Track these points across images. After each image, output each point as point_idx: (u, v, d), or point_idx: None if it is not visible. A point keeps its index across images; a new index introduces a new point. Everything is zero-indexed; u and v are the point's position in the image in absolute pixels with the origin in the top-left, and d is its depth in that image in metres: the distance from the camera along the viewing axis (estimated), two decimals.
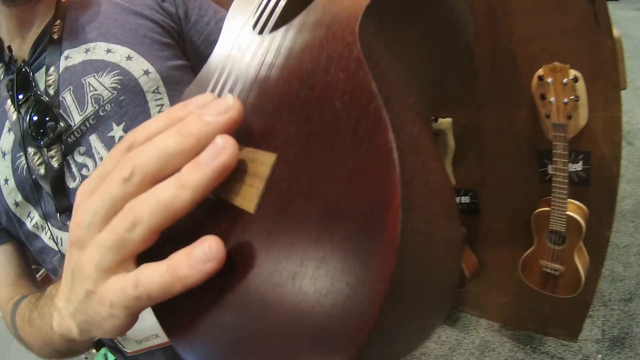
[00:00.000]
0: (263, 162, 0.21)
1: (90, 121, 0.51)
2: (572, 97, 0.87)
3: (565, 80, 0.86)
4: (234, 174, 0.21)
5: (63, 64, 0.53)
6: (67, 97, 0.52)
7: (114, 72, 0.52)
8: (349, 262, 0.16)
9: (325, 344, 0.16)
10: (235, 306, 0.20)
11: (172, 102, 0.55)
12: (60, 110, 0.51)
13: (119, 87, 0.52)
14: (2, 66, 0.55)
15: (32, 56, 0.55)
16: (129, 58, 0.53)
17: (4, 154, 0.53)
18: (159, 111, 0.54)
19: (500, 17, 0.97)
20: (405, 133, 0.18)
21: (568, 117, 0.88)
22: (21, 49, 0.56)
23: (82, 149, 0.51)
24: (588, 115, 0.92)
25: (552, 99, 0.88)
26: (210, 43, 0.62)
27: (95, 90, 0.51)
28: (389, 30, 0.24)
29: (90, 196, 0.22)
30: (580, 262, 1.02)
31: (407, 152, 0.17)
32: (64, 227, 0.52)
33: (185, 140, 0.20)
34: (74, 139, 0.51)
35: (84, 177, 0.51)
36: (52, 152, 0.50)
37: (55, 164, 0.50)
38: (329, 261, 0.17)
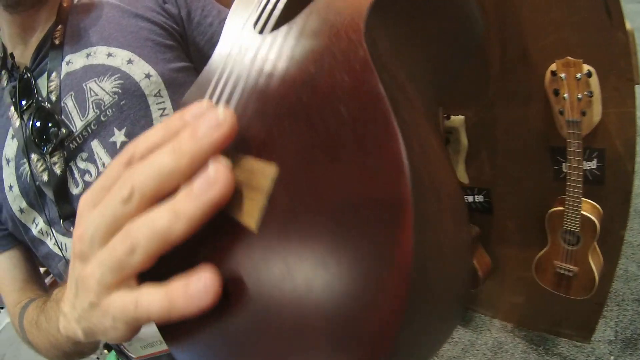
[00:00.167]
0: (264, 174, 0.20)
1: (92, 127, 0.51)
2: (586, 92, 0.84)
3: (578, 75, 0.84)
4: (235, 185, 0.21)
5: (64, 69, 0.53)
6: (69, 103, 0.51)
7: (115, 76, 0.52)
8: (357, 287, 0.15)
9: None
10: (237, 321, 0.20)
11: (175, 105, 0.54)
12: (62, 117, 0.51)
13: (120, 91, 0.51)
14: (5, 73, 0.55)
15: (34, 62, 0.54)
16: (130, 61, 0.53)
17: (8, 161, 0.53)
18: (161, 115, 0.53)
19: (509, 10, 0.95)
20: (415, 141, 0.17)
21: (582, 114, 0.85)
22: (23, 55, 0.56)
23: (84, 154, 0.51)
24: (602, 111, 0.90)
25: (565, 94, 0.86)
26: (214, 44, 0.60)
27: (96, 95, 0.51)
28: (395, 28, 0.22)
29: (92, 208, 0.23)
30: (594, 263, 1.00)
31: (418, 164, 0.16)
32: (68, 234, 0.52)
33: (180, 160, 0.20)
34: (76, 144, 0.51)
35: (86, 183, 0.51)
36: (54, 159, 0.50)
37: (58, 170, 0.50)
38: (336, 287, 0.16)
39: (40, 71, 0.54)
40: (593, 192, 0.98)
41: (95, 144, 0.51)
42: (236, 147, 0.22)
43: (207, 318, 0.20)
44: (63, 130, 0.49)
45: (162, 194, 0.21)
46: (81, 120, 0.51)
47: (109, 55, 0.53)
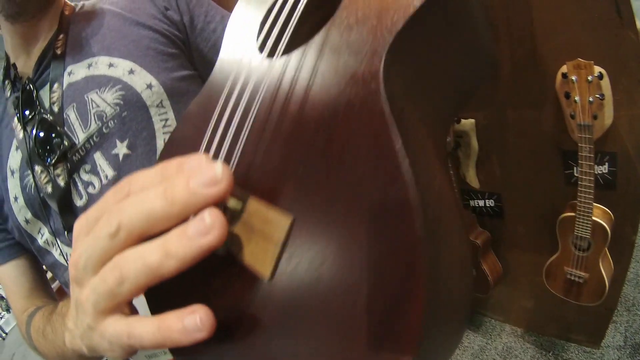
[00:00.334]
0: (278, 225, 0.20)
1: (94, 139, 0.50)
2: (597, 95, 0.83)
3: (590, 77, 0.82)
4: (247, 231, 0.21)
5: (66, 80, 0.52)
6: (71, 115, 0.51)
7: (117, 87, 0.51)
8: (371, 347, 0.16)
9: None
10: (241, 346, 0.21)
11: (177, 115, 0.53)
12: (65, 128, 0.50)
13: (121, 102, 0.51)
14: (8, 83, 0.55)
15: (36, 73, 0.54)
16: (131, 72, 0.52)
17: (12, 172, 0.53)
18: (164, 126, 0.53)
19: (518, 10, 0.93)
20: (431, 197, 0.17)
21: (594, 117, 0.84)
22: (26, 65, 0.55)
23: (87, 166, 0.51)
24: (613, 114, 0.88)
25: (576, 97, 0.84)
26: (218, 50, 0.60)
27: (98, 106, 0.50)
28: (412, 66, 0.23)
29: (85, 235, 0.23)
30: (605, 269, 0.98)
31: (433, 228, 0.16)
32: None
33: (170, 207, 0.20)
34: (79, 157, 0.50)
35: (90, 195, 0.51)
36: (58, 171, 0.50)
37: (61, 182, 0.50)
38: (351, 348, 0.17)
39: (42, 82, 0.53)
40: (604, 197, 0.96)
41: (97, 156, 0.50)
42: (249, 186, 0.22)
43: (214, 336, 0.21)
44: (65, 143, 0.49)
45: (150, 234, 0.21)
46: (83, 132, 0.50)
47: (110, 65, 0.53)
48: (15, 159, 0.53)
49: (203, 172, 0.20)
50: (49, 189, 0.50)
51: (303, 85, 0.23)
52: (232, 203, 0.23)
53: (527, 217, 1.18)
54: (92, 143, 0.50)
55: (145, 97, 0.52)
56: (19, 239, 0.57)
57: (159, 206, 0.20)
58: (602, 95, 0.82)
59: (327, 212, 0.19)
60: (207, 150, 0.26)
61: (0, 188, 0.54)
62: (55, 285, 0.76)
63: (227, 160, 0.25)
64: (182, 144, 0.32)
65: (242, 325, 0.21)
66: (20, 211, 0.53)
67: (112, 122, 0.50)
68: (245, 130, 0.24)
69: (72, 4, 0.60)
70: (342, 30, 0.23)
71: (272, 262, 0.20)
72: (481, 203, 1.23)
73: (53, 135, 0.50)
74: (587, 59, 0.81)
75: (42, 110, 0.51)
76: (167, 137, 0.52)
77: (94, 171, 0.50)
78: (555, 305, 1.20)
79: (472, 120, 1.10)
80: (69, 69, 0.53)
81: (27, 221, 0.53)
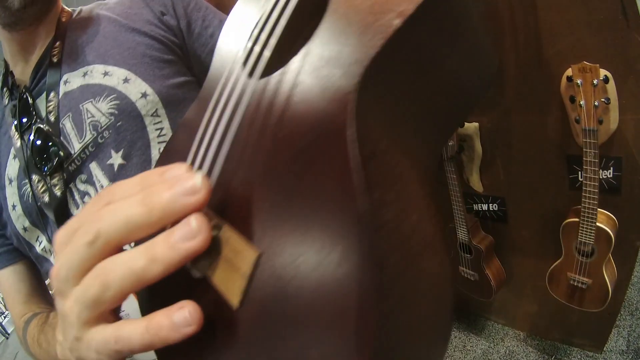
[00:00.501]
0: (245, 258, 0.20)
1: (90, 149, 0.50)
2: (602, 99, 0.81)
3: (595, 81, 0.81)
4: (219, 258, 0.21)
5: (62, 89, 0.52)
6: (67, 124, 0.51)
7: (111, 96, 0.51)
8: None
9: None
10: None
11: (172, 124, 0.53)
12: (61, 138, 0.50)
13: (116, 112, 0.51)
14: (6, 91, 0.55)
15: (32, 81, 0.54)
16: (126, 80, 0.52)
17: (10, 181, 0.53)
18: (159, 135, 0.52)
19: (524, 12, 0.92)
20: (399, 238, 0.18)
21: (599, 122, 0.82)
22: (24, 73, 0.55)
23: (83, 176, 0.50)
24: (619, 118, 0.87)
25: (581, 101, 0.83)
26: None
27: (93, 116, 0.50)
28: (392, 95, 0.22)
29: (65, 246, 0.23)
30: (608, 275, 0.97)
31: (394, 276, 0.17)
32: None
33: (149, 214, 0.20)
34: (75, 166, 0.50)
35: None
36: (54, 180, 0.49)
37: (58, 192, 0.49)
38: None
39: (39, 90, 0.53)
40: (609, 202, 0.95)
41: (93, 166, 0.50)
42: (221, 212, 0.23)
43: (200, 346, 0.22)
44: (61, 153, 0.49)
45: (128, 242, 0.21)
46: (79, 142, 0.50)
47: (105, 74, 0.52)
48: (13, 167, 0.53)
49: (183, 181, 0.21)
50: (46, 198, 0.49)
51: (278, 115, 0.22)
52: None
53: (531, 222, 1.17)
54: (88, 153, 0.50)
55: (139, 107, 0.51)
56: (17, 246, 0.57)
57: (138, 213, 0.21)
58: (608, 99, 0.81)
59: (294, 246, 0.19)
60: (193, 163, 0.26)
61: None
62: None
63: (208, 175, 0.25)
64: (175, 154, 0.32)
65: (222, 334, 0.22)
66: (18, 219, 0.53)
67: (107, 132, 0.50)
68: (225, 149, 0.24)
69: (70, 9, 0.60)
70: (316, 59, 0.22)
71: (239, 292, 0.20)
72: (485, 207, 1.22)
73: (50, 144, 0.50)
74: (593, 62, 0.80)
75: (38, 120, 0.51)
76: (161, 146, 0.52)
77: (90, 181, 0.50)
78: (558, 309, 1.19)
79: (476, 124, 1.09)
80: (65, 77, 0.53)
81: (25, 229, 0.53)
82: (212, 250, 0.22)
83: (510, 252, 1.26)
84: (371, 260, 0.16)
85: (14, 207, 0.53)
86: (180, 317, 0.20)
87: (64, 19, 0.56)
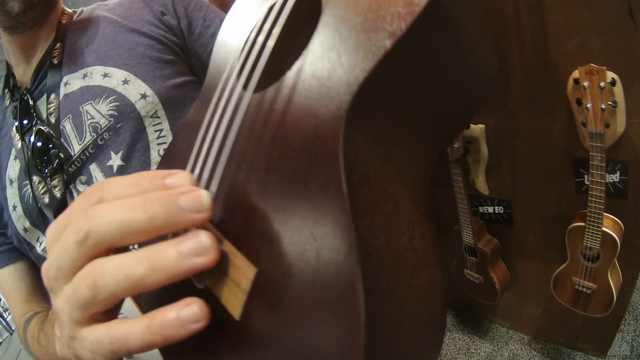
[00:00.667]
0: (245, 274, 0.21)
1: (90, 150, 0.50)
2: (609, 102, 0.80)
3: (602, 83, 0.80)
4: (219, 271, 0.21)
5: (63, 91, 0.52)
6: (67, 126, 0.51)
7: (111, 98, 0.51)
8: None
9: None
10: None
11: (172, 125, 0.53)
12: (62, 140, 0.50)
13: (115, 114, 0.51)
14: (7, 92, 0.55)
15: (34, 82, 0.54)
16: (125, 82, 0.52)
17: (11, 182, 0.53)
18: (158, 137, 0.52)
19: (529, 13, 0.90)
20: (391, 257, 0.18)
21: (606, 125, 0.81)
22: (25, 74, 0.56)
23: (83, 178, 0.51)
24: (626, 122, 0.85)
25: (588, 104, 0.82)
26: None
27: (93, 118, 0.50)
28: (385, 112, 0.22)
29: (55, 242, 0.23)
30: (613, 281, 0.96)
31: (387, 294, 0.17)
32: None
33: (150, 222, 0.20)
34: (75, 168, 0.51)
35: None
36: (54, 182, 0.50)
37: (58, 193, 0.49)
38: None
39: (40, 92, 0.54)
40: (615, 206, 0.94)
41: (93, 168, 0.50)
42: (219, 226, 0.23)
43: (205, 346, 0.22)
44: (61, 155, 0.49)
45: (121, 245, 0.21)
46: (79, 144, 0.50)
47: (105, 75, 0.52)
48: (14, 168, 0.53)
49: (192, 197, 0.20)
50: (47, 199, 0.50)
51: (272, 132, 0.22)
52: None
53: (537, 225, 1.15)
54: (88, 154, 0.50)
55: (139, 108, 0.51)
56: (18, 246, 0.57)
57: (137, 219, 0.20)
58: (615, 102, 0.80)
59: (285, 271, 0.19)
60: (192, 172, 0.26)
61: (0, 197, 0.55)
62: None
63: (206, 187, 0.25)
64: (175, 157, 0.32)
65: (225, 332, 0.22)
66: (18, 220, 0.53)
67: (106, 134, 0.50)
68: (222, 163, 0.24)
69: (70, 10, 0.60)
70: (312, 71, 0.22)
71: (240, 306, 0.21)
72: (490, 209, 1.21)
73: (50, 146, 0.50)
74: (600, 64, 0.79)
75: (39, 121, 0.51)
76: (161, 148, 0.52)
77: (90, 182, 0.50)
78: (563, 313, 1.18)
79: (482, 126, 1.08)
80: (65, 79, 0.53)
81: (25, 230, 0.53)
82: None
83: (516, 256, 1.25)
84: (362, 285, 0.16)
85: (14, 207, 0.53)
86: (188, 313, 0.20)
87: (64, 21, 0.56)
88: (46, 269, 0.23)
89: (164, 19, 0.57)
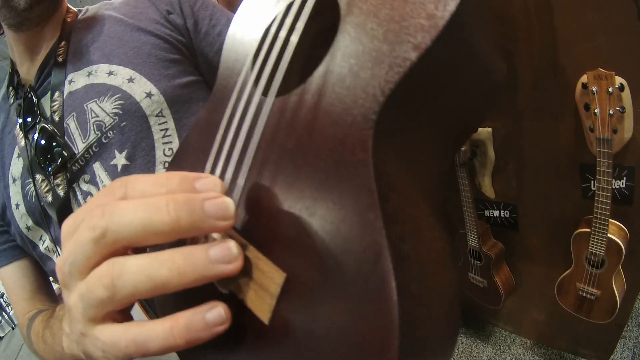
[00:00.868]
0: (273, 279, 0.21)
1: (94, 149, 0.50)
2: (617, 108, 0.80)
3: (610, 89, 0.79)
4: (246, 277, 0.22)
5: (67, 88, 0.52)
6: (71, 124, 0.50)
7: (116, 96, 0.50)
8: None
9: None
10: None
11: (177, 124, 0.52)
12: (65, 138, 0.50)
13: (120, 112, 0.50)
14: (12, 90, 0.54)
15: (38, 80, 0.54)
16: (130, 80, 0.51)
17: (14, 180, 0.53)
18: (163, 136, 0.52)
19: (539, 16, 0.90)
20: (415, 259, 0.18)
21: (613, 131, 0.81)
22: (29, 72, 0.55)
23: (86, 176, 0.50)
24: (633, 127, 0.85)
25: (596, 110, 0.81)
26: None
27: (97, 116, 0.50)
28: (409, 124, 0.22)
29: (71, 236, 0.22)
30: (617, 287, 0.96)
31: (416, 292, 0.18)
32: None
33: (174, 225, 0.20)
34: (79, 166, 0.50)
35: None
36: (57, 180, 0.49)
37: (61, 192, 0.49)
38: None
39: (44, 90, 0.53)
40: (620, 212, 0.94)
41: (97, 166, 0.50)
42: (243, 231, 0.23)
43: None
44: (65, 153, 0.49)
45: (140, 245, 0.20)
46: (83, 142, 0.50)
47: (110, 73, 0.52)
48: (17, 166, 0.53)
49: (217, 203, 0.20)
50: (50, 198, 0.49)
51: (297, 139, 0.22)
52: None
53: (542, 230, 1.15)
54: (92, 153, 0.50)
55: (144, 107, 0.50)
56: (21, 244, 0.56)
57: (162, 221, 0.19)
58: (623, 107, 0.79)
59: (315, 275, 0.19)
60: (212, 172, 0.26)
61: (3, 194, 0.54)
62: (58, 287, 0.75)
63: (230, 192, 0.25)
64: (187, 157, 0.32)
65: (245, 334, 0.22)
66: (21, 218, 0.53)
67: (111, 132, 0.50)
68: (244, 169, 0.24)
69: (75, 9, 0.59)
70: (335, 79, 0.22)
71: (269, 310, 0.21)
72: (496, 213, 1.21)
73: (54, 144, 0.49)
74: (609, 69, 0.78)
75: (42, 119, 0.51)
76: (166, 147, 0.52)
77: (93, 181, 0.50)
78: (566, 318, 1.17)
79: (489, 130, 1.08)
80: (69, 77, 0.52)
81: (28, 228, 0.53)
82: None
83: (520, 260, 1.24)
84: (397, 291, 0.17)
85: (17, 206, 0.52)
86: (215, 315, 0.20)
87: (69, 19, 0.56)
88: (60, 264, 0.22)
89: (170, 17, 0.57)
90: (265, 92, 0.25)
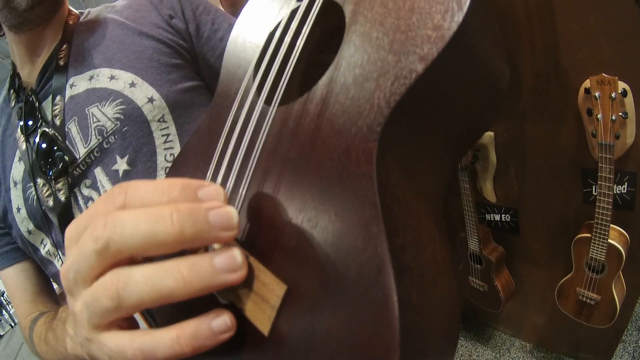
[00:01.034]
0: (274, 291, 0.21)
1: (95, 154, 0.50)
2: (620, 113, 0.80)
3: (613, 94, 0.79)
4: (246, 288, 0.22)
5: (68, 92, 0.52)
6: (73, 129, 0.50)
7: (117, 101, 0.50)
8: None
9: None
10: None
11: (179, 130, 0.52)
12: (66, 142, 0.50)
13: (122, 117, 0.50)
14: (13, 93, 0.54)
15: (39, 84, 0.54)
16: (132, 85, 0.51)
17: (15, 183, 0.53)
18: (165, 141, 0.52)
19: (542, 19, 0.90)
20: (417, 269, 0.19)
21: (616, 137, 0.81)
22: (31, 75, 0.55)
23: (87, 181, 0.50)
24: (636, 133, 0.85)
25: (599, 115, 0.81)
26: None
27: (99, 121, 0.49)
28: (413, 136, 0.22)
29: (74, 243, 0.22)
30: (617, 293, 0.96)
31: (418, 302, 0.18)
32: None
33: (179, 237, 0.19)
34: (80, 171, 0.50)
35: None
36: (59, 185, 0.49)
37: (62, 197, 0.49)
38: None
39: (45, 93, 0.53)
40: (621, 217, 0.93)
41: (98, 172, 0.50)
42: (244, 243, 0.23)
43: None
44: (66, 158, 0.48)
45: (143, 256, 0.21)
46: (84, 147, 0.49)
47: (112, 77, 0.51)
48: (18, 170, 0.53)
49: (221, 213, 0.20)
50: (51, 202, 0.49)
51: (300, 148, 0.22)
52: None
53: (543, 234, 1.15)
54: (93, 158, 0.49)
55: (146, 112, 0.50)
56: (22, 247, 0.56)
57: (164, 231, 0.19)
58: (626, 113, 0.79)
59: (316, 287, 0.20)
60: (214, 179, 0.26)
61: (4, 198, 0.54)
62: (59, 289, 0.76)
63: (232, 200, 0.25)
64: (188, 164, 0.32)
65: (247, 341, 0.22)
66: (22, 222, 0.52)
67: (112, 137, 0.50)
68: (246, 180, 0.24)
69: (77, 12, 0.59)
70: (340, 88, 0.22)
71: (269, 322, 0.21)
72: (497, 217, 1.20)
73: (55, 148, 0.49)
74: (612, 73, 0.78)
75: (44, 123, 0.50)
76: (168, 153, 0.51)
77: (94, 186, 0.49)
78: (566, 322, 1.17)
79: (491, 134, 1.07)
80: (71, 80, 0.52)
81: (29, 232, 0.53)
82: None
83: (521, 264, 1.24)
84: (398, 303, 0.17)
85: (18, 209, 0.52)
86: (220, 324, 0.21)
87: (71, 22, 0.56)
88: (65, 272, 0.22)
89: (172, 22, 0.56)
90: (268, 101, 0.24)
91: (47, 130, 0.50)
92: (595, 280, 0.97)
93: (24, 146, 0.51)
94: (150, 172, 0.50)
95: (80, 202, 0.50)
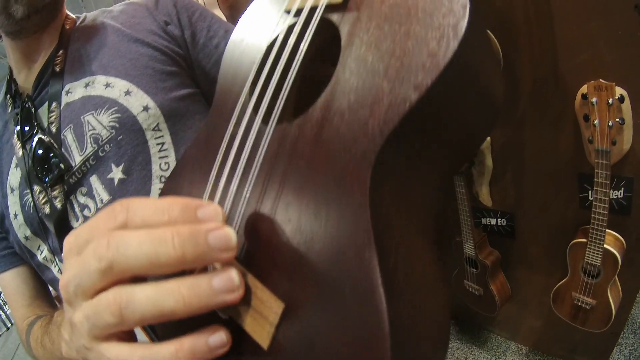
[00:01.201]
0: (272, 308, 0.21)
1: (90, 162, 0.50)
2: (617, 119, 0.80)
3: (610, 100, 0.79)
4: (244, 303, 0.22)
5: (64, 99, 0.52)
6: (68, 136, 0.50)
7: (112, 109, 0.50)
8: None
9: None
10: None
11: (174, 138, 0.52)
12: (62, 149, 0.50)
13: (117, 125, 0.50)
14: (9, 98, 0.54)
15: (35, 90, 0.54)
16: (127, 93, 0.51)
17: (12, 190, 0.53)
18: (159, 150, 0.51)
19: (540, 24, 0.90)
20: (409, 286, 0.19)
21: (612, 143, 0.81)
22: (27, 81, 0.55)
23: (83, 189, 0.50)
24: (633, 139, 0.85)
25: (595, 121, 0.81)
26: None
27: (94, 129, 0.49)
28: (407, 162, 0.22)
29: (75, 256, 0.22)
30: (613, 297, 0.96)
31: (407, 321, 0.18)
32: None
33: (180, 259, 0.20)
34: (76, 179, 0.50)
35: (86, 218, 0.50)
36: (55, 193, 0.49)
37: (58, 204, 0.49)
38: None
39: (41, 100, 0.53)
40: (617, 222, 0.94)
41: (94, 180, 0.50)
42: (242, 260, 0.23)
43: None
44: (62, 165, 0.48)
45: (145, 275, 0.22)
46: (80, 155, 0.49)
47: (107, 85, 0.51)
48: (15, 176, 0.52)
49: (220, 234, 0.21)
50: (47, 209, 0.49)
51: (297, 167, 0.23)
52: None
53: (539, 238, 1.15)
54: (89, 166, 0.49)
55: (141, 120, 0.50)
56: (19, 253, 0.56)
57: (166, 254, 0.20)
58: (622, 119, 0.79)
59: (312, 304, 0.20)
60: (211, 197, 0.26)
61: (1, 204, 0.54)
62: (55, 292, 0.76)
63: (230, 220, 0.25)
64: (184, 177, 0.32)
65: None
66: (19, 228, 0.52)
67: (107, 146, 0.49)
68: (244, 199, 0.24)
69: (74, 16, 0.59)
70: (334, 113, 0.22)
71: (268, 337, 0.21)
72: (493, 222, 1.21)
73: (51, 155, 0.49)
74: (609, 79, 0.78)
75: (40, 130, 0.50)
76: (162, 162, 0.51)
77: (90, 194, 0.49)
78: (562, 325, 1.18)
79: (488, 139, 1.08)
80: (67, 87, 0.52)
81: (26, 238, 0.53)
82: None
83: (517, 268, 1.25)
84: (389, 321, 0.17)
85: (15, 216, 0.52)
86: (217, 339, 0.21)
87: (67, 27, 0.55)
88: (64, 284, 0.23)
89: (168, 29, 0.56)
90: (265, 120, 0.24)
91: (42, 137, 0.50)
92: (590, 285, 0.98)
93: (20, 152, 0.51)
94: (145, 181, 0.50)
95: (77, 209, 0.50)
